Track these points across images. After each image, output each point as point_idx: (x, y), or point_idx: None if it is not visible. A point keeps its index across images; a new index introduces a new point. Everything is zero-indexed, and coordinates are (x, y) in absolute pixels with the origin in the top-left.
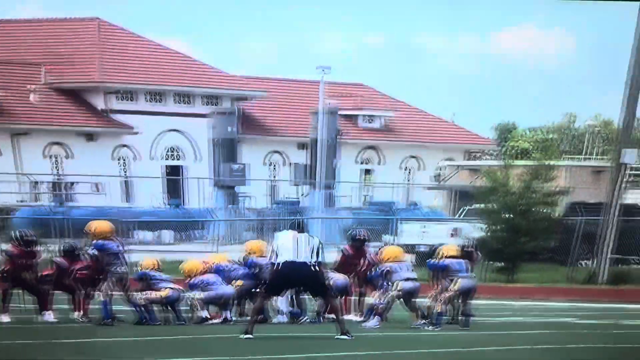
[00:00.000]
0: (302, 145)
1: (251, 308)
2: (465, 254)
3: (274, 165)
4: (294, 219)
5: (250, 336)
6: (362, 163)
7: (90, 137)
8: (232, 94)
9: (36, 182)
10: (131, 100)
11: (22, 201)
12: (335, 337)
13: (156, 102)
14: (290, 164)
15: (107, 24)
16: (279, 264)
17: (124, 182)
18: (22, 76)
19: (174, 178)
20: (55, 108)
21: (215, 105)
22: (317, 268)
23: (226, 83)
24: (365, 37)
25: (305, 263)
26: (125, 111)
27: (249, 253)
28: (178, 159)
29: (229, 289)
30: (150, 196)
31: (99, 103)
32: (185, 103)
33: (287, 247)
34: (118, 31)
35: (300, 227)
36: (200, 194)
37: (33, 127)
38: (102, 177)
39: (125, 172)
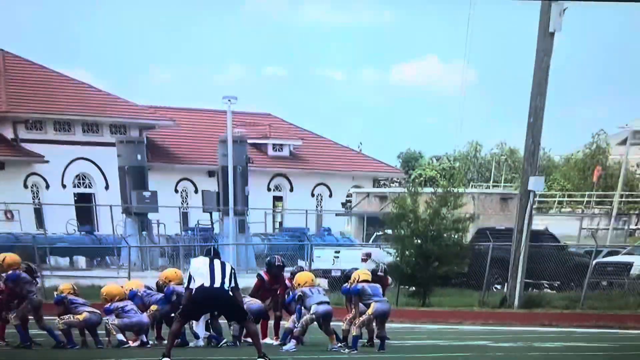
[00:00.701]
0: (212, 173)
1: (168, 332)
2: (377, 278)
3: (185, 193)
4: (207, 245)
5: None
6: (272, 190)
7: (0, 165)
8: (139, 123)
9: None
10: (40, 129)
11: None
12: None
13: (65, 131)
14: (201, 191)
15: (11, 55)
16: (193, 289)
17: (36, 209)
18: None
19: (85, 205)
20: None
21: (123, 134)
22: (232, 293)
23: (133, 112)
24: (266, 68)
25: (220, 288)
26: (35, 140)
27: (166, 281)
28: (88, 187)
29: (144, 318)
30: (66, 223)
31: (8, 132)
32: (93, 132)
33: (201, 272)
34: (23, 62)
35: (213, 253)
36: (111, 221)
37: None
38: (13, 204)
39: (37, 199)
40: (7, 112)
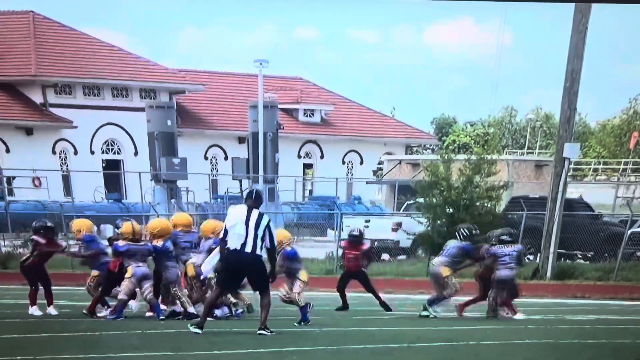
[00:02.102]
0: (242, 139)
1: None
2: (355, 240)
3: (214, 159)
4: (249, 190)
5: (199, 331)
6: (302, 157)
7: (29, 131)
8: (169, 87)
9: None
10: (69, 94)
11: None
12: (257, 332)
13: (94, 95)
14: (231, 158)
15: (41, 17)
16: (228, 250)
17: (64, 176)
18: None
19: (113, 172)
20: None
21: (153, 98)
22: (266, 254)
23: (163, 76)
24: (298, 30)
25: (252, 254)
26: (64, 105)
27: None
28: (117, 153)
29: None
30: (94, 190)
31: (37, 97)
32: (122, 97)
33: (237, 232)
34: (53, 24)
35: (254, 198)
36: (140, 188)
37: None
38: (42, 170)
39: (65, 166)
40: (37, 75)
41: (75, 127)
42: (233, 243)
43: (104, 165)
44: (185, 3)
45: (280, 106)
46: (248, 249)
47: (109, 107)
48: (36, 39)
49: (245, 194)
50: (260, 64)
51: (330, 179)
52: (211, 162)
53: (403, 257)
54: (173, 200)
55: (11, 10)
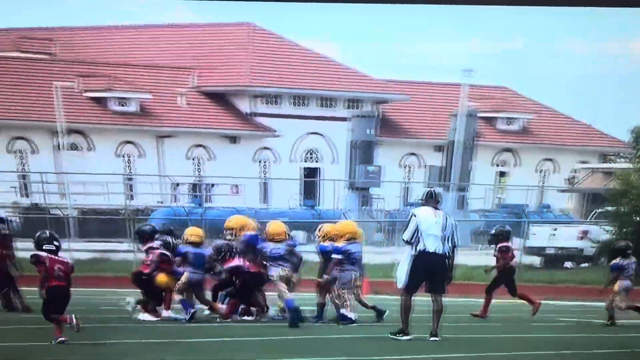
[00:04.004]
0: (438, 148)
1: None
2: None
3: (409, 168)
4: (429, 190)
5: (409, 337)
6: (497, 165)
7: (233, 139)
8: (374, 97)
9: (177, 184)
10: (276, 104)
11: (161, 202)
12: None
13: (300, 105)
14: (425, 166)
15: (259, 29)
16: (424, 252)
17: (262, 183)
18: (171, 80)
19: (310, 180)
20: (201, 111)
21: (357, 108)
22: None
23: (369, 86)
24: (506, 41)
25: (443, 254)
26: (270, 114)
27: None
28: (316, 161)
29: None
30: (288, 197)
31: (245, 107)
32: (328, 107)
33: (433, 233)
34: (269, 36)
35: (435, 198)
36: (334, 196)
37: (178, 129)
38: (241, 178)
39: (265, 174)
40: (248, 85)
41: (279, 136)
42: (430, 245)
43: (303, 173)
44: (399, 16)
45: (480, 115)
46: (441, 250)
47: (314, 117)
48: (252, 51)
49: (424, 195)
50: (467, 73)
51: (521, 187)
52: (405, 170)
53: (586, 265)
54: (364, 207)
55: (231, 23)
